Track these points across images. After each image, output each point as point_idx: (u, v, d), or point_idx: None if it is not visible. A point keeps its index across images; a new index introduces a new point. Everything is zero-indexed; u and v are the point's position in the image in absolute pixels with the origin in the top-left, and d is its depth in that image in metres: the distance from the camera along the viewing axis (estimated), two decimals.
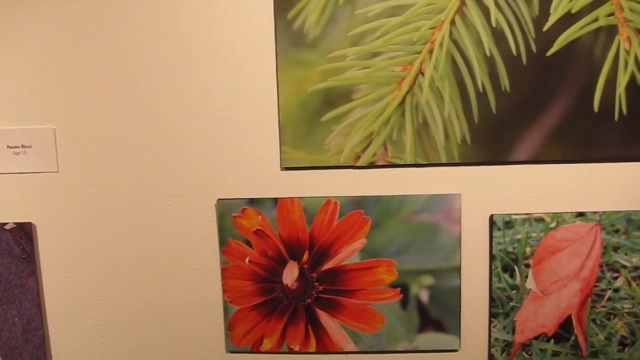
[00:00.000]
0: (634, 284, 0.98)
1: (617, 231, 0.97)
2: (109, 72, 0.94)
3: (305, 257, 0.98)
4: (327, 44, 0.93)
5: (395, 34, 0.93)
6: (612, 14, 0.92)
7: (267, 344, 1.00)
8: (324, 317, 1.00)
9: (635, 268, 0.98)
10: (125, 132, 0.96)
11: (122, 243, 0.99)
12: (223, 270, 0.99)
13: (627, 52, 0.92)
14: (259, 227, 0.97)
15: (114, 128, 0.96)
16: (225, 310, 1.00)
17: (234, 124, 0.95)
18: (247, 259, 0.98)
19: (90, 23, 0.94)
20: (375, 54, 0.93)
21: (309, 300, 1.00)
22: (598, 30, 0.92)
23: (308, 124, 0.95)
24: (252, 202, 0.97)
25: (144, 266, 0.99)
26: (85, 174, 0.98)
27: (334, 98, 0.94)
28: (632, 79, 0.93)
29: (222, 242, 0.99)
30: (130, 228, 0.98)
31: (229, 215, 0.98)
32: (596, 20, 0.92)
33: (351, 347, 1.00)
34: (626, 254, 0.97)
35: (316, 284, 0.99)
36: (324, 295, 0.99)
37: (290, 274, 0.99)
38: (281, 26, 0.93)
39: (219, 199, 0.97)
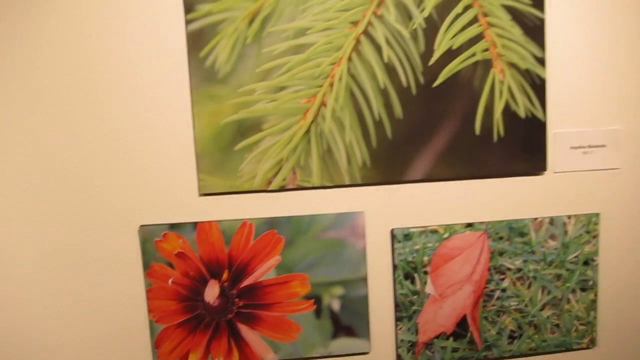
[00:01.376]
0: (518, 284, 1.12)
1: (501, 238, 1.10)
2: (31, 102, 1.00)
3: (225, 275, 1.06)
4: (237, 79, 1.02)
5: (299, 70, 1.03)
6: (487, 50, 1.05)
7: (192, 359, 1.08)
8: (244, 330, 1.08)
9: (519, 270, 1.11)
10: (49, 161, 1.01)
11: (51, 269, 1.04)
12: (148, 291, 1.06)
13: (502, 83, 1.06)
14: (180, 250, 1.05)
15: (37, 157, 1.01)
16: (152, 329, 1.07)
17: (153, 155, 1.02)
18: (170, 280, 1.06)
19: (5, 58, 0.99)
20: (282, 88, 1.03)
21: (230, 315, 1.08)
22: (476, 63, 1.05)
23: (222, 152, 1.03)
24: (173, 226, 1.04)
25: (71, 291, 1.05)
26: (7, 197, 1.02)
27: (246, 129, 1.03)
28: (507, 105, 1.07)
29: (146, 265, 1.05)
30: (57, 254, 1.03)
31: (152, 240, 1.05)
32: (474, 55, 1.05)
33: (271, 356, 1.09)
34: (510, 258, 1.11)
35: (236, 299, 1.07)
36: (244, 310, 1.08)
37: (211, 292, 1.06)
38: (194, 64, 1.01)
39: (141, 225, 1.04)
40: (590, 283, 1.14)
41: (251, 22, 1.01)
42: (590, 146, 1.10)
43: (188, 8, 1.00)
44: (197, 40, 1.00)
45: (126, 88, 1.00)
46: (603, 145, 1.10)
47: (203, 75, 1.01)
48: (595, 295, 1.14)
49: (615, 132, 1.10)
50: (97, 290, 1.05)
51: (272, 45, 1.01)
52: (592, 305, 1.14)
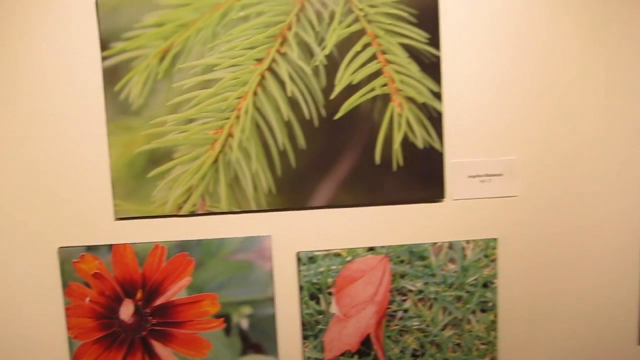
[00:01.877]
0: (419, 305, 1.18)
1: (402, 261, 1.17)
2: None
3: (139, 295, 1.13)
4: (150, 112, 1.10)
5: (207, 103, 1.10)
6: (386, 85, 1.13)
7: None
8: (158, 347, 1.15)
9: (420, 291, 1.18)
10: None
11: None
12: (67, 309, 1.13)
13: (400, 115, 1.14)
14: (96, 271, 1.12)
15: None
16: (70, 345, 1.14)
17: (72, 182, 1.10)
18: (87, 299, 1.13)
19: None
20: (191, 120, 1.11)
21: (144, 333, 1.15)
22: (375, 98, 1.13)
23: (136, 180, 1.11)
24: (90, 248, 1.12)
25: None
26: None
27: (158, 158, 1.11)
28: (405, 137, 1.14)
29: (65, 285, 1.13)
30: None
31: (69, 261, 1.12)
32: (373, 90, 1.13)
33: None
34: (411, 280, 1.18)
35: (150, 318, 1.14)
36: (157, 328, 1.15)
37: (126, 310, 1.14)
38: (110, 97, 1.09)
39: (60, 247, 1.11)
40: (490, 304, 1.20)
41: (162, 59, 1.09)
42: (487, 175, 1.17)
43: (104, 46, 1.08)
44: (112, 76, 1.08)
45: (46, 119, 1.07)
46: (500, 174, 1.17)
47: (118, 108, 1.09)
48: (495, 316, 1.20)
49: (511, 161, 1.17)
50: (18, 308, 1.12)
51: (182, 81, 1.09)
52: (492, 325, 1.20)
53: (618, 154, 1.19)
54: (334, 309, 1.16)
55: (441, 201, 1.16)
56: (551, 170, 1.18)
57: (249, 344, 1.16)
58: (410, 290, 1.17)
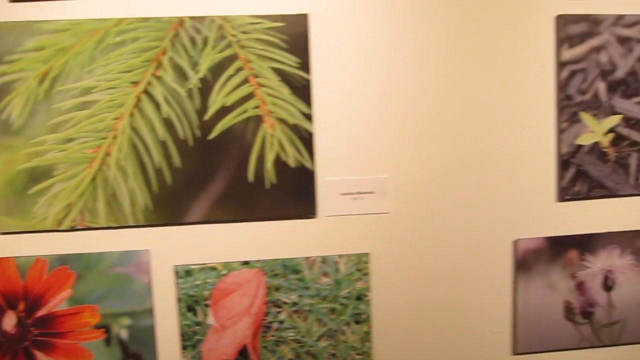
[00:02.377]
0: (294, 316, 1.24)
1: (276, 275, 1.23)
2: None
3: (21, 306, 1.19)
4: (30, 131, 1.15)
5: (86, 124, 1.16)
6: (258, 107, 1.19)
7: None
8: (41, 357, 1.20)
9: (295, 304, 1.24)
10: None
11: None
12: None
13: (272, 136, 1.20)
14: None
15: None
16: None
17: None
18: None
19: None
20: (70, 140, 1.16)
21: (27, 343, 1.20)
22: (248, 119, 1.19)
23: (17, 196, 1.16)
24: None
25: None
26: None
27: (38, 175, 1.16)
28: (278, 156, 1.20)
29: None
30: None
31: None
32: (245, 112, 1.19)
33: None
34: (286, 293, 1.23)
35: (32, 328, 1.19)
36: (40, 338, 1.20)
37: (8, 322, 1.19)
38: None
39: None
40: (364, 316, 1.26)
41: (42, 81, 1.15)
42: (359, 192, 1.23)
43: None
44: None
45: None
46: (372, 192, 1.23)
47: None
48: (369, 327, 1.26)
49: (383, 179, 1.23)
50: None
51: (62, 102, 1.15)
52: (367, 336, 1.26)
53: (486, 170, 1.25)
54: (211, 320, 1.21)
55: (314, 217, 1.22)
56: (421, 187, 1.24)
57: (129, 353, 1.21)
58: (285, 303, 1.23)
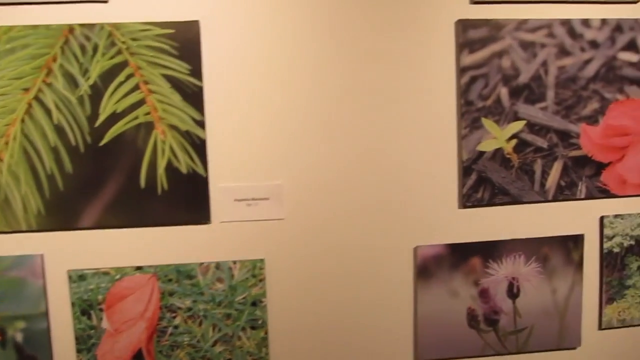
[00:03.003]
0: (189, 321, 1.25)
1: (170, 280, 1.24)
2: None
3: None
4: None
5: None
6: (149, 113, 1.20)
7: None
8: None
9: (189, 309, 1.25)
10: None
11: None
12: None
13: (164, 142, 1.20)
14: None
15: None
16: None
17: None
18: None
19: None
20: None
21: None
22: (139, 125, 1.20)
23: None
24: None
25: None
26: None
27: None
28: (169, 162, 1.21)
29: None
30: None
31: None
32: (137, 118, 1.20)
33: None
34: (180, 298, 1.24)
35: None
36: None
37: None
38: None
39: None
40: (260, 322, 1.26)
41: None
42: (254, 199, 1.23)
43: None
44: None
45: None
46: (266, 198, 1.24)
47: None
48: (266, 332, 1.26)
49: (278, 186, 1.23)
50: None
51: None
52: (263, 342, 1.27)
53: (385, 176, 1.25)
54: (105, 324, 1.23)
55: (208, 223, 1.22)
56: (317, 193, 1.24)
57: (24, 356, 1.23)
58: (180, 308, 1.24)
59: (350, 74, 1.22)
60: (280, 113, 1.21)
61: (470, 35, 1.26)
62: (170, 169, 1.20)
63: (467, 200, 1.28)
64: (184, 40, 1.18)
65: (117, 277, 1.22)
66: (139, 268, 1.22)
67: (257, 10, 1.19)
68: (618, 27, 1.32)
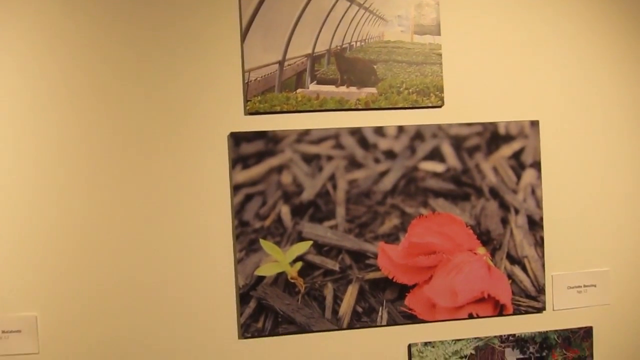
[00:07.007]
0: None
1: None
2: None
3: None
4: None
5: None
6: None
7: None
8: None
9: None
10: None
11: None
12: None
13: None
14: None
15: None
16: None
17: None
18: None
19: None
20: None
21: None
22: None
23: None
24: None
25: None
26: None
27: None
28: None
29: None
30: None
31: None
32: None
33: None
34: None
35: None
36: None
37: None
38: None
39: None
40: None
41: None
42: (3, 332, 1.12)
43: None
44: None
45: None
46: (18, 331, 1.13)
47: None
48: None
49: (30, 318, 1.12)
50: None
51: None
52: None
53: (158, 305, 1.13)
54: None
55: None
56: (74, 326, 1.12)
57: None
58: None
59: (119, 200, 1.11)
60: (30, 245, 1.10)
61: (243, 150, 1.14)
62: None
63: (246, 330, 1.15)
64: None
65: None
66: None
67: None
68: (418, 134, 1.18)
